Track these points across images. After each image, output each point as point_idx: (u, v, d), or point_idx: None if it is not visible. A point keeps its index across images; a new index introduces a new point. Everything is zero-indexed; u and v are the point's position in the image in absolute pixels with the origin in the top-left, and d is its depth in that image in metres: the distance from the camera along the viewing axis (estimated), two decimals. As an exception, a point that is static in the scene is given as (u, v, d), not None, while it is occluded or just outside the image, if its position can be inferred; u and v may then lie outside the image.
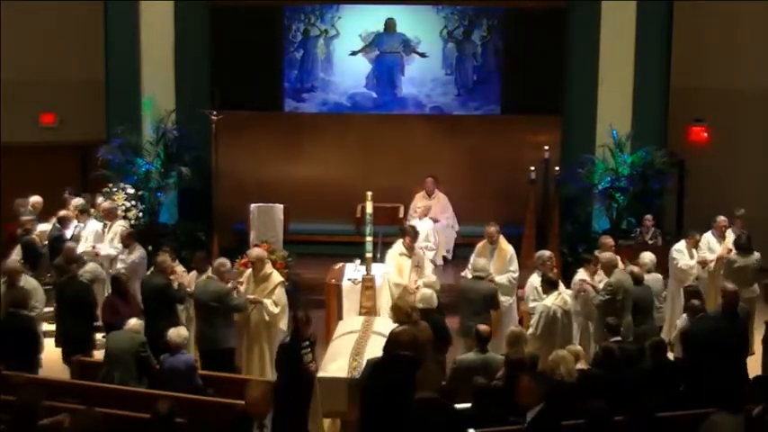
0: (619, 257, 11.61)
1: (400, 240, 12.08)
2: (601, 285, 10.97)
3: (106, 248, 12.89)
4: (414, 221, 13.91)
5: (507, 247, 12.02)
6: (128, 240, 12.55)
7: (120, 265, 12.33)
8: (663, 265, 12.34)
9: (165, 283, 10.79)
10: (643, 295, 10.85)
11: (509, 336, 9.25)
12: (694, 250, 12.76)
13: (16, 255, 12.85)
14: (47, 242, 12.96)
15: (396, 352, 8.30)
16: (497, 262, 11.78)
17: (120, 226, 13.08)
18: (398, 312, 9.55)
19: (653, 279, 11.40)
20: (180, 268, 11.59)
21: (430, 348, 9.35)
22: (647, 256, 11.61)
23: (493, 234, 11.95)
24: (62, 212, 13.04)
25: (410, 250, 11.92)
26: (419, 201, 15.17)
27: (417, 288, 11.10)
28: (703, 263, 12.70)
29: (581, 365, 9.05)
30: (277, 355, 9.61)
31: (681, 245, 12.82)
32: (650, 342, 9.31)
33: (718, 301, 11.49)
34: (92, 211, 13.58)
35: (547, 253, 11.32)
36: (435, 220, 14.99)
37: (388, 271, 11.81)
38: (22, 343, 9.79)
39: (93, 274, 11.76)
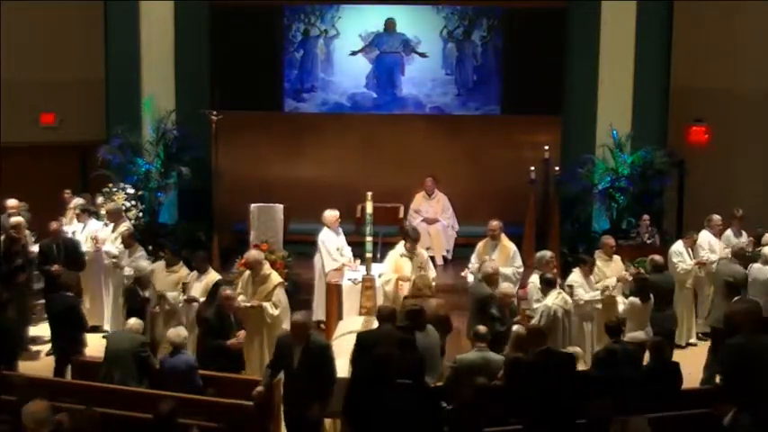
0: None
1: (402, 242, 12.06)
2: (599, 285, 11.31)
3: (109, 246, 12.86)
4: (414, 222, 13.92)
5: (509, 245, 12.03)
6: (129, 241, 12.52)
7: (126, 269, 12.17)
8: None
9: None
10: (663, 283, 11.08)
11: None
12: (691, 250, 12.73)
13: None
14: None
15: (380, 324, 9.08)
16: (500, 259, 11.74)
17: (125, 227, 13.02)
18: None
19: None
20: (161, 263, 11.56)
21: (447, 320, 9.97)
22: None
23: (495, 229, 11.94)
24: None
25: (411, 252, 11.90)
26: (419, 201, 15.17)
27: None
28: (701, 263, 12.65)
29: (581, 366, 9.05)
30: None
31: (678, 245, 12.76)
32: (650, 342, 9.31)
33: (717, 300, 11.49)
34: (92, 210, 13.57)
35: (548, 253, 11.31)
36: (435, 220, 15.00)
37: (382, 272, 11.73)
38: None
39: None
